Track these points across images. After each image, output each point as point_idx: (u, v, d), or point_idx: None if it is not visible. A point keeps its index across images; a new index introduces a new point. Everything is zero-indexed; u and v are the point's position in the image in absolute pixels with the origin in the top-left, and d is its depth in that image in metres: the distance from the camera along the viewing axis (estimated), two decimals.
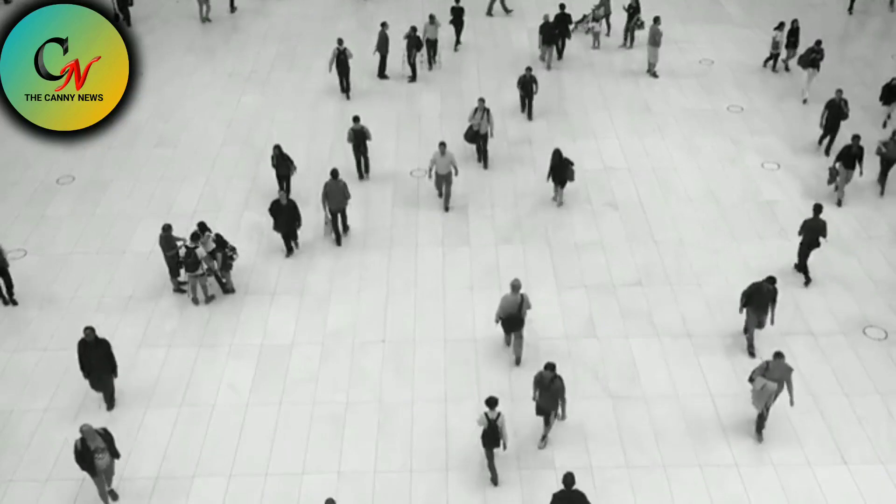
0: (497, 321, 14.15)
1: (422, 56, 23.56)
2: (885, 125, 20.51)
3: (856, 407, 13.50)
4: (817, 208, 16.04)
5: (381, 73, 23.64)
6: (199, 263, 15.18)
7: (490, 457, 12.27)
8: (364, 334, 15.04)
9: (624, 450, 12.87)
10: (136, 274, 16.44)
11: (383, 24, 23.17)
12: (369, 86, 23.18)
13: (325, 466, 12.64)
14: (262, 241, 17.25)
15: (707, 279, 16.22)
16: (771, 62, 23.89)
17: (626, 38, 25.31)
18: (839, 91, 19.12)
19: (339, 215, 17.18)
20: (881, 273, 16.33)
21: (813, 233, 15.86)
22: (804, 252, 16.03)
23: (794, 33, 23.45)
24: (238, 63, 24.58)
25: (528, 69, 21.12)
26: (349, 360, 14.48)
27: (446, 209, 18.01)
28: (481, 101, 19.24)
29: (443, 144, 17.39)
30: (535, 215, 17.99)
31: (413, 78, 23.53)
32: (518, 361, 14.35)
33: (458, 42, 25.30)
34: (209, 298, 15.76)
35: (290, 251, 16.84)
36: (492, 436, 12.04)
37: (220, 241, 15.66)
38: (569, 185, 18.06)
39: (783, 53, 23.64)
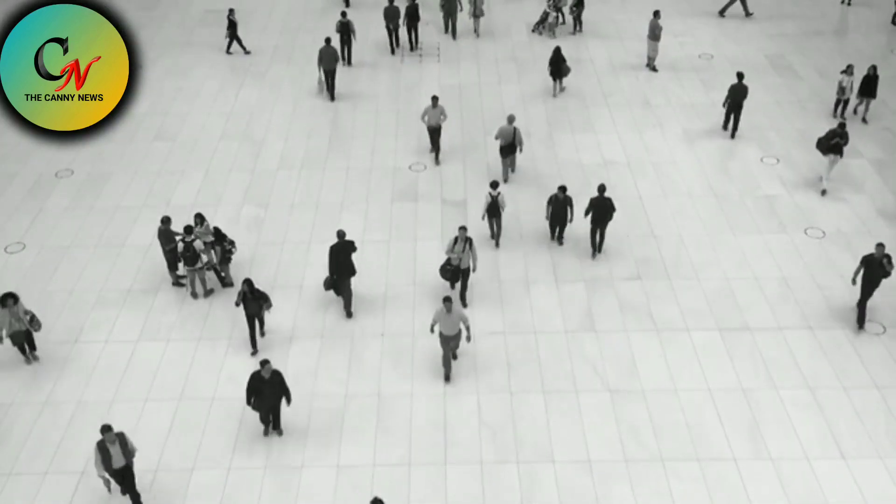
0: (497, 139, 18.33)
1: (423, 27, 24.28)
2: None
3: (854, 401, 13.52)
4: (740, 76, 20.01)
5: (393, 48, 24.47)
6: (197, 257, 15.17)
7: (491, 226, 16.76)
8: (363, 328, 15.05)
9: (622, 444, 12.88)
10: (135, 267, 16.43)
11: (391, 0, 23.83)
12: (367, 84, 23.14)
13: (324, 460, 12.66)
14: (260, 234, 17.27)
15: (706, 273, 16.22)
16: (840, 109, 21.01)
17: (575, 25, 25.53)
18: (881, 246, 14.67)
19: (330, 76, 21.66)
20: None
21: (737, 95, 19.91)
22: (730, 112, 20.23)
23: (870, 82, 20.43)
24: (236, 56, 24.52)
25: (562, 189, 16.38)
26: (348, 353, 14.48)
27: (447, 378, 14.02)
28: (462, 229, 14.97)
29: (448, 300, 13.49)
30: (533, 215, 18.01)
31: (412, 49, 24.49)
32: (508, 178, 18.60)
33: None
34: (208, 292, 15.76)
35: (269, 429, 13.05)
36: (494, 208, 16.41)
37: (219, 235, 15.65)
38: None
39: (854, 101, 20.99)
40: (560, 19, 25.70)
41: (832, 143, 18.06)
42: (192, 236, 15.12)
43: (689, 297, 15.67)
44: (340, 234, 15.09)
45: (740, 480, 12.32)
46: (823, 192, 18.32)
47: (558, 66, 21.99)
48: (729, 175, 19.14)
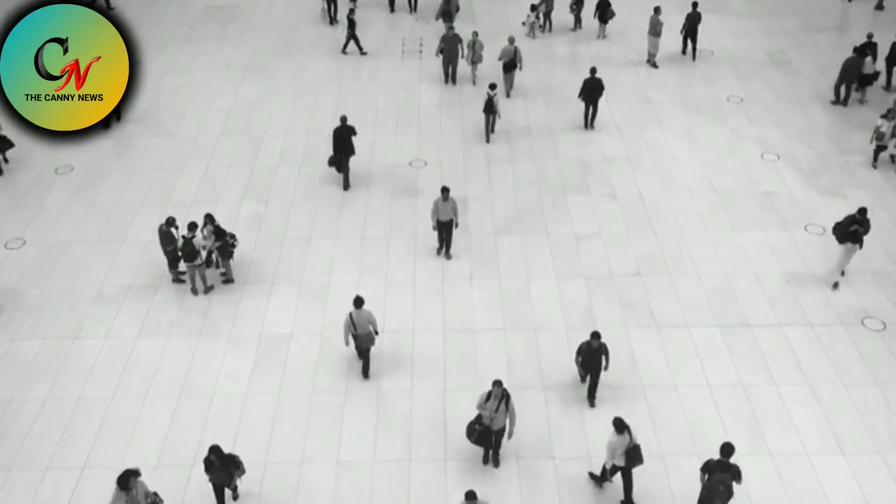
0: (500, 59, 21.35)
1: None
2: None
3: (853, 397, 13.54)
4: (694, 4, 23.21)
5: (391, 6, 26.84)
6: (197, 253, 15.16)
7: (487, 121, 19.62)
8: None
9: None
10: (135, 263, 16.43)
11: None
12: (367, 82, 23.14)
13: (324, 456, 12.68)
14: (260, 230, 17.27)
15: (706, 270, 16.22)
16: (877, 157, 18.99)
17: (575, 22, 25.64)
18: None
19: (332, 3, 25.54)
20: (880, 264, 16.34)
21: (692, 22, 23.20)
22: (686, 38, 23.60)
23: None
24: (236, 53, 24.51)
25: (596, 336, 13.06)
26: (348, 350, 14.48)
27: None
28: (497, 385, 11.92)
29: (472, 498, 10.60)
30: (534, 208, 18.01)
31: (411, 11, 26.72)
32: (510, 94, 21.69)
33: None
34: (208, 288, 15.76)
35: None
36: (490, 106, 19.14)
37: (219, 231, 15.63)
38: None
39: (892, 148, 18.86)
40: (543, 25, 25.55)
41: (850, 231, 15.31)
42: (192, 233, 15.11)
43: (689, 293, 15.68)
44: (343, 119, 17.82)
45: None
46: (836, 286, 15.76)
47: (604, 11, 24.56)
48: (729, 171, 19.13)
